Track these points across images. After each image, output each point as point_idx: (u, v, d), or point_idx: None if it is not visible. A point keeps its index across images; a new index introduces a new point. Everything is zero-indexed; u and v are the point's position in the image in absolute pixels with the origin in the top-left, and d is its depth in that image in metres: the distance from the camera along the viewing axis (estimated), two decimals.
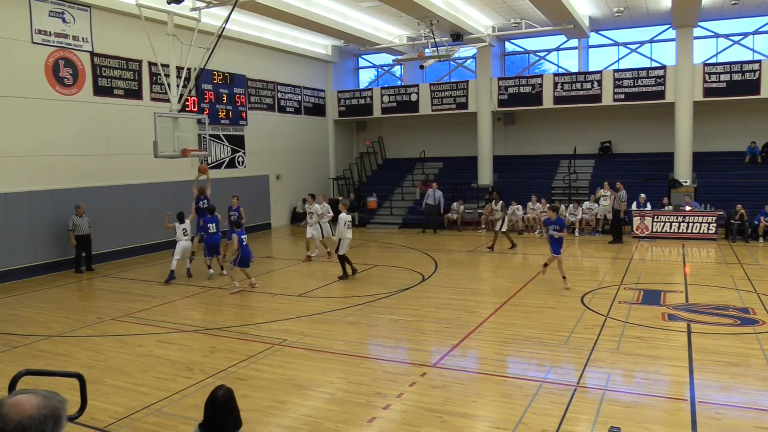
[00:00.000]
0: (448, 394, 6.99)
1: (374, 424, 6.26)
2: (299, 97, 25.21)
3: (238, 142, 21.85)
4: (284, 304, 11.68)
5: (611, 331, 9.29)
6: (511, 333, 9.41)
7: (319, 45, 25.39)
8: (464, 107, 24.71)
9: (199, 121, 15.63)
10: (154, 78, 17.87)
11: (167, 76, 15.05)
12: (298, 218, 24.28)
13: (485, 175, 24.29)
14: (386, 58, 27.89)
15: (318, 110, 26.49)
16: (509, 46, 26.40)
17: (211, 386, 4.30)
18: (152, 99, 18.01)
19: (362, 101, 26.69)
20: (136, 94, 17.64)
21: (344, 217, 13.62)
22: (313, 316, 10.65)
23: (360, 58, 29.10)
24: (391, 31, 23.08)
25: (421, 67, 20.56)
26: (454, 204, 22.50)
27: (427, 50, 20.15)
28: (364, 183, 26.99)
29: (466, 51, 24.98)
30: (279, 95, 23.98)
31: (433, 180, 24.30)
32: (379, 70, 29.51)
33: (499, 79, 24.36)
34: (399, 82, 28.30)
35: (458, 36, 20.75)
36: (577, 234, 20.20)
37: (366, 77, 29.78)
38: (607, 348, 8.54)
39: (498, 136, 25.31)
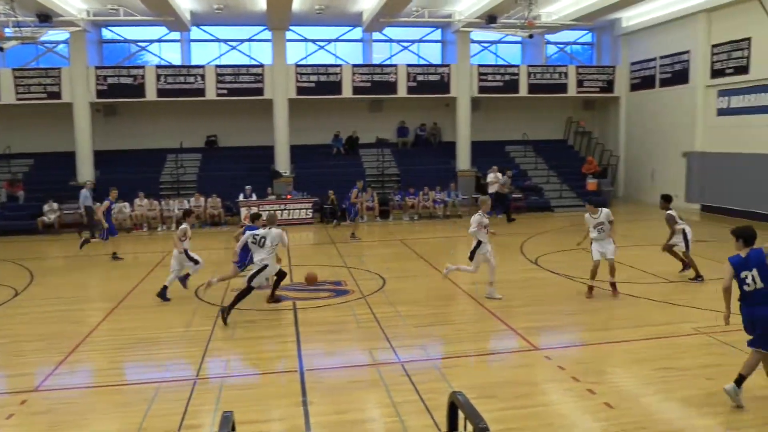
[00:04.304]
0: (56, 417, 6.31)
1: None
2: None
3: None
4: None
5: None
6: (125, 338, 8.95)
7: None
8: (57, 97, 22.20)
9: None
10: None
11: None
12: None
13: (86, 172, 22.28)
14: None
15: None
16: (107, 33, 24.75)
17: None
18: None
19: None
20: None
21: None
22: None
23: None
24: None
25: (0, 49, 17.79)
26: (46, 206, 20.02)
27: (7, 30, 17.46)
28: None
29: (57, 34, 22.49)
30: None
31: (21, 180, 21.42)
32: None
33: (97, 67, 22.62)
34: None
35: (46, 17, 18.55)
36: None
37: None
38: (222, 336, 8.81)
39: (98, 129, 23.49)
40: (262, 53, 25.02)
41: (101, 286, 13.01)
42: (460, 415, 3.19)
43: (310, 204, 20.93)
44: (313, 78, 23.38)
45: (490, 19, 19.80)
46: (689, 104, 21.67)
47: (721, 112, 20.69)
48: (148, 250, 16.45)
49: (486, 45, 26.88)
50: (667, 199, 12.20)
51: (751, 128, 18.89)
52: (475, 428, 2.83)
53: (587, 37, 27.75)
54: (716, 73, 20.71)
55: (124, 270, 14.15)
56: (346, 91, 23.51)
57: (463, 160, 24.35)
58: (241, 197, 20.78)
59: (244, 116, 24.42)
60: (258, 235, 9.70)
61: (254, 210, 15.62)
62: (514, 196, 22.25)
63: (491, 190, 20.90)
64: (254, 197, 20.82)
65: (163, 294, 10.75)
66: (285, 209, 20.47)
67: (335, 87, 23.42)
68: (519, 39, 25.26)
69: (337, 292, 11.30)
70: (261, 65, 23.50)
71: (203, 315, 9.88)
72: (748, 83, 19.35)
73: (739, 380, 6.18)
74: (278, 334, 8.91)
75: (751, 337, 6.24)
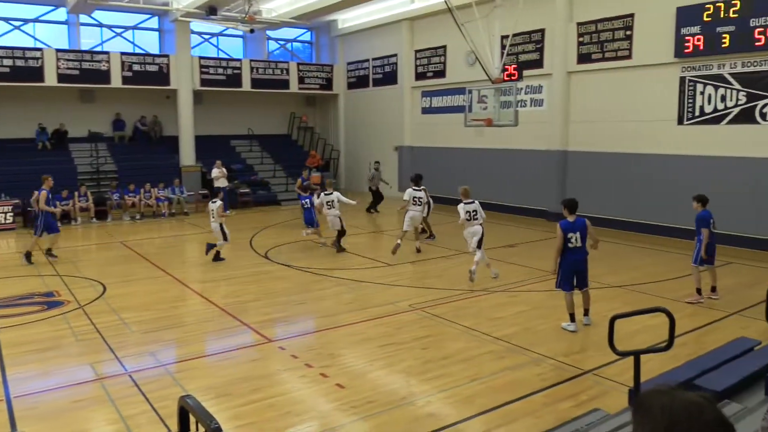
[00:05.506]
0: None
1: None
2: None
3: None
4: None
5: None
6: None
7: None
8: None
9: None
10: None
11: None
12: None
13: None
14: None
15: None
16: None
17: None
18: None
19: None
20: None
21: None
22: None
23: None
24: None
25: None
26: None
27: None
28: None
29: None
30: None
31: None
32: None
33: None
34: None
35: None
36: None
37: None
38: None
39: None
40: None
41: None
42: (193, 419, 3.13)
43: (10, 207, 18.30)
44: (8, 62, 20.36)
45: (210, 10, 19.35)
46: (398, 103, 23.88)
47: (425, 110, 23.22)
48: None
49: (207, 37, 26.26)
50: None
51: (448, 125, 21.50)
52: (207, 429, 2.82)
53: (307, 36, 28.81)
54: (419, 76, 23.16)
55: None
56: (50, 79, 20.98)
57: (187, 154, 23.52)
58: None
59: None
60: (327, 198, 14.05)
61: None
62: (241, 191, 22.28)
63: (217, 184, 20.60)
64: None
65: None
66: None
67: (36, 73, 20.73)
68: (241, 33, 25.23)
69: (49, 305, 10.12)
70: None
71: None
72: (445, 86, 22.01)
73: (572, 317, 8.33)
74: None
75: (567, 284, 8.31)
